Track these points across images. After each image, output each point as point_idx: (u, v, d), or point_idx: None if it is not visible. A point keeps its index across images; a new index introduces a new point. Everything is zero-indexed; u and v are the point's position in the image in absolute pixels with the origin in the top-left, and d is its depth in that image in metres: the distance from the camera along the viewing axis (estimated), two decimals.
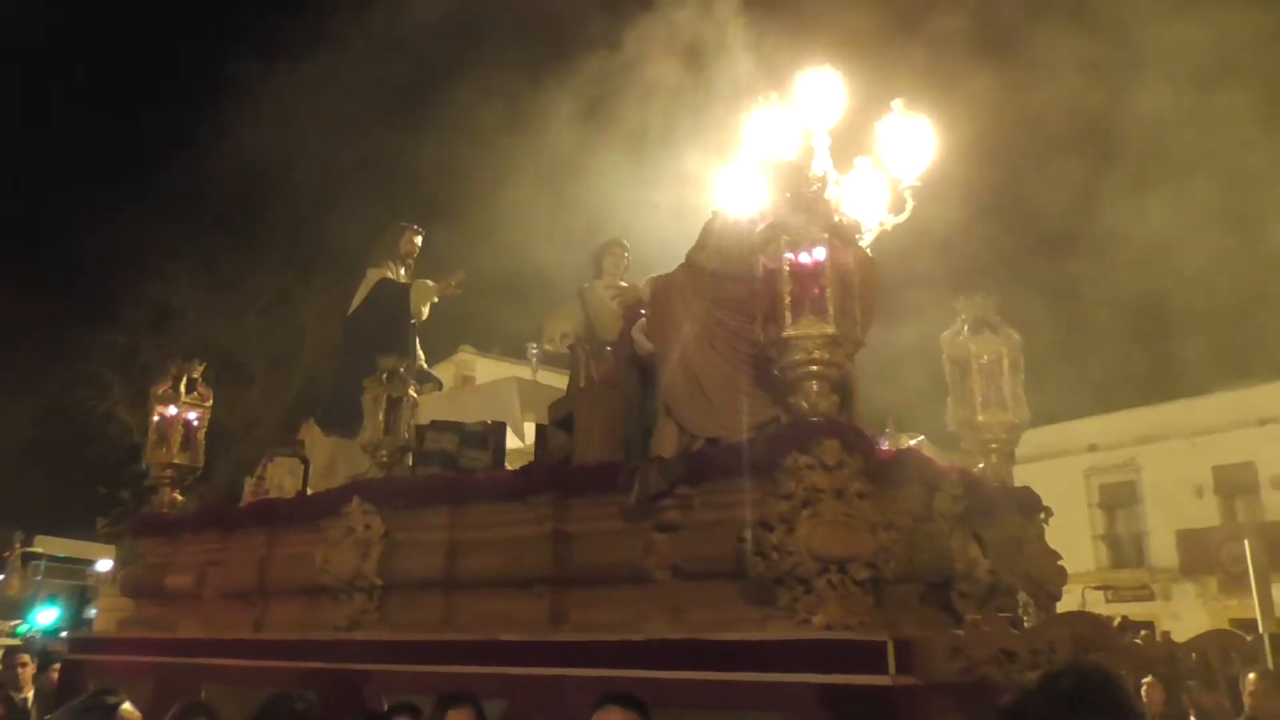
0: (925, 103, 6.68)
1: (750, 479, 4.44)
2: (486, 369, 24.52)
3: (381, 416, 5.79)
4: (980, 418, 5.74)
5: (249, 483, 7.22)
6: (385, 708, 5.02)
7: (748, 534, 4.15)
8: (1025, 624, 5.07)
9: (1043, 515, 5.67)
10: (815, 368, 4.30)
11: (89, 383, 20.13)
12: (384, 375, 5.88)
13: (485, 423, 6.26)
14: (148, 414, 7.39)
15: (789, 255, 4.35)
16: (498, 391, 6.43)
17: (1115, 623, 3.31)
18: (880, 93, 7.08)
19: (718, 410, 4.79)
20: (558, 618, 4.87)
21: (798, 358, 4.28)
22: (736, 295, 4.88)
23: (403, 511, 5.58)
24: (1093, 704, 2.13)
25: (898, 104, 6.73)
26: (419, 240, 7.27)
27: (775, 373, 4.44)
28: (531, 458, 6.73)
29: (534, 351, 7.24)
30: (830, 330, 4.25)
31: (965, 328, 5.91)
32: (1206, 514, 21.64)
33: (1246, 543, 14.42)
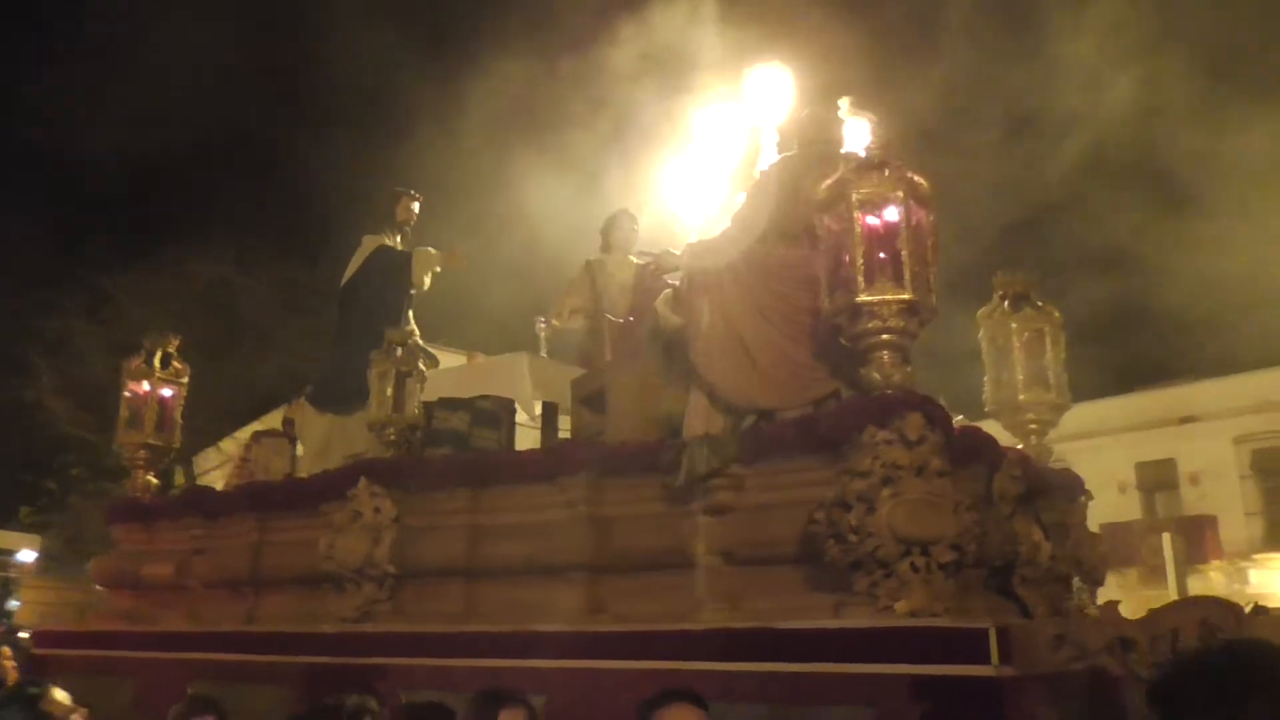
0: (873, 100, 6.76)
1: (815, 456, 4.13)
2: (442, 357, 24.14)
3: (390, 392, 5.37)
4: (1022, 397, 5.50)
5: (214, 465, 6.74)
6: (403, 702, 4.65)
7: (820, 515, 3.83)
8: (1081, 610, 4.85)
9: (1084, 498, 5.46)
10: (888, 336, 3.99)
11: (16, 370, 19.23)
12: (392, 348, 5.45)
13: (497, 400, 5.88)
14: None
15: (862, 216, 4.04)
16: (507, 368, 6.05)
17: (1249, 607, 3.06)
18: (830, 90, 7.07)
19: (771, 384, 4.47)
20: (595, 608, 4.52)
21: (871, 325, 3.97)
22: (790, 261, 4.56)
23: (416, 494, 5.18)
24: (1256, 685, 1.78)
25: (844, 102, 6.58)
26: (416, 207, 6.82)
27: (843, 342, 4.12)
28: (539, 438, 6.39)
29: (541, 326, 6.85)
30: (907, 296, 3.95)
31: (1005, 304, 5.66)
32: (1129, 508, 22.08)
33: (1166, 536, 14.96)
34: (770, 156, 6.75)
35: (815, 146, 4.87)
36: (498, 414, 5.73)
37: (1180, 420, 21.43)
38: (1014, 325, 5.59)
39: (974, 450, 4.34)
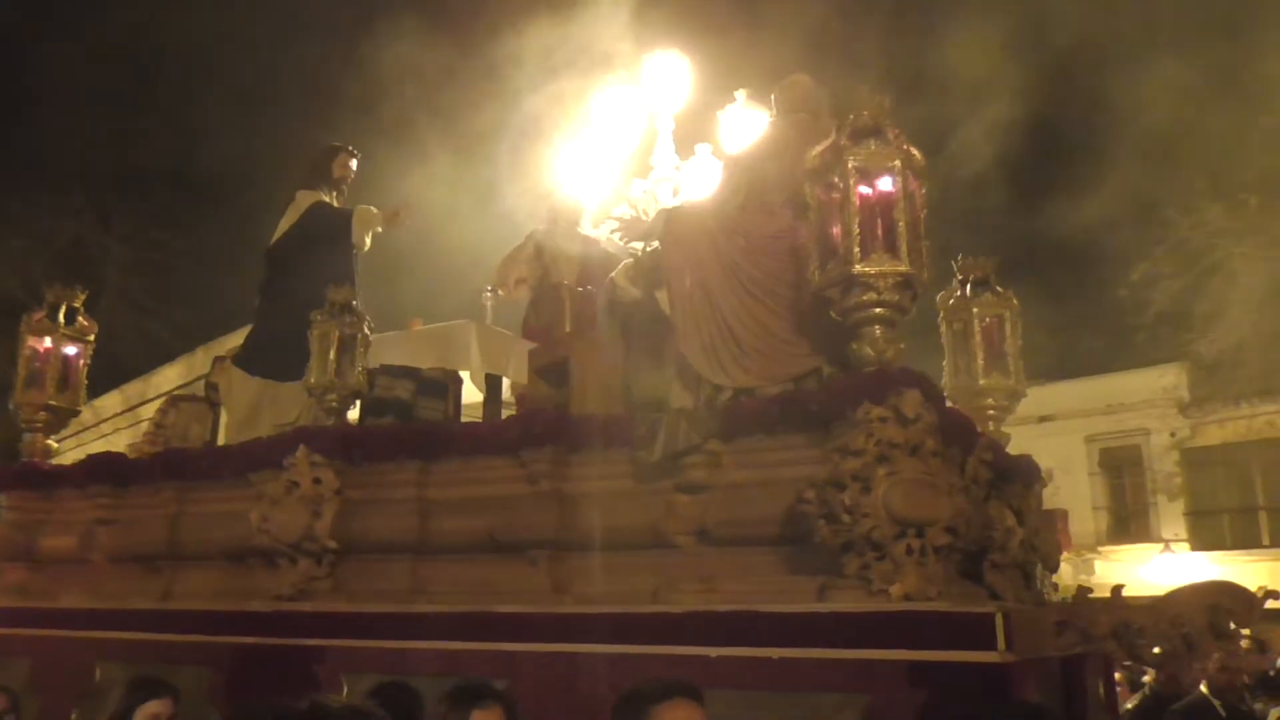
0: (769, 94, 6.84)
1: (800, 434, 3.97)
2: None
3: (333, 356, 5.01)
4: (982, 382, 5.45)
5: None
6: (345, 689, 4.35)
7: (810, 494, 3.67)
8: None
9: (1039, 485, 5.46)
10: (881, 310, 3.85)
11: None
12: (335, 308, 5.09)
13: (443, 370, 5.57)
14: None
15: (857, 184, 3.88)
16: (453, 336, 5.73)
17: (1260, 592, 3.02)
18: (726, 81, 7.13)
19: (751, 358, 4.29)
20: (559, 588, 4.28)
21: (865, 298, 3.82)
22: (773, 231, 4.39)
23: (361, 465, 4.85)
24: None
25: (741, 94, 6.72)
26: (354, 164, 6.42)
27: (833, 316, 3.97)
28: (480, 411, 6.11)
29: (488, 295, 6.54)
30: (904, 269, 3.81)
31: (966, 289, 5.61)
32: None
33: None
34: (666, 142, 6.95)
35: (797, 115, 4.71)
36: (445, 384, 5.42)
37: (1039, 419, 22.28)
38: (975, 310, 5.54)
39: (952, 432, 4.24)
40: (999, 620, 3.16)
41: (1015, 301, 5.69)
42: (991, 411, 5.50)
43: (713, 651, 3.60)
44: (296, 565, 4.77)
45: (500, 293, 6.38)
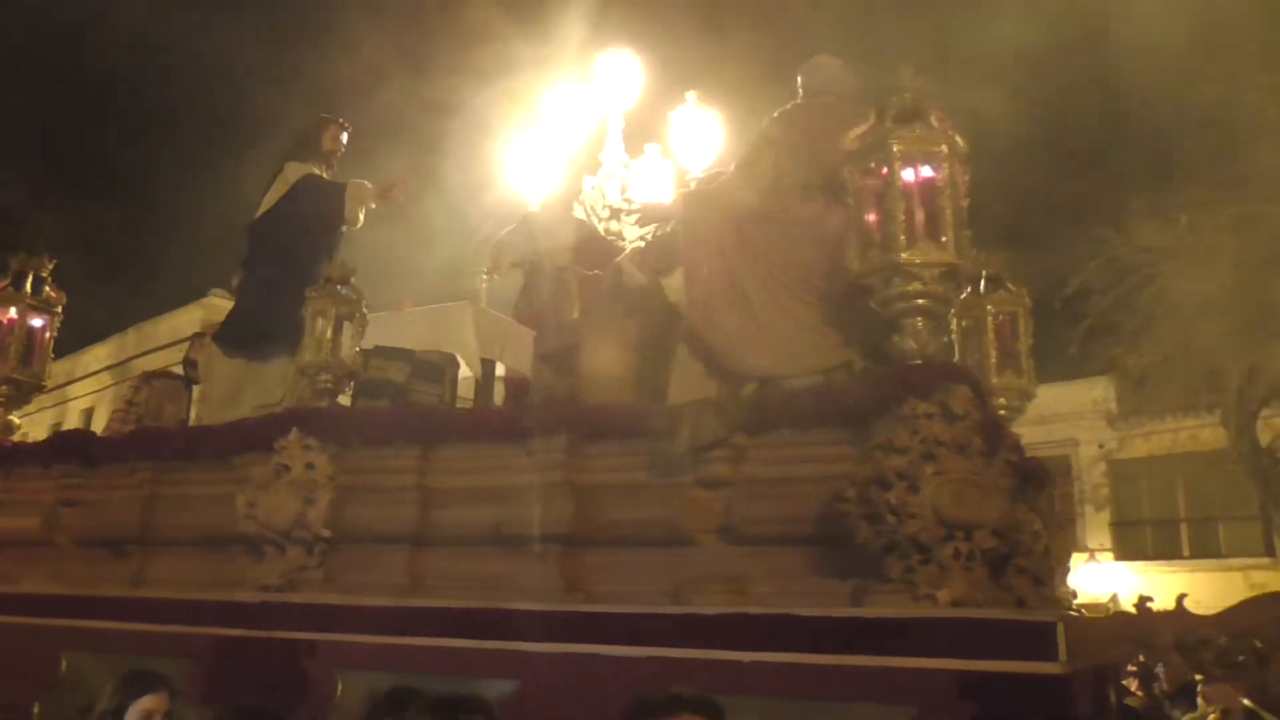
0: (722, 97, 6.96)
1: (833, 429, 3.79)
2: None
3: (329, 334, 4.73)
4: (995, 381, 5.32)
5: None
6: (339, 687, 4.10)
7: (850, 492, 3.49)
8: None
9: (1053, 488, 5.35)
10: (924, 302, 3.68)
11: None
12: (332, 285, 4.81)
13: (438, 353, 5.31)
14: None
15: (902, 169, 3.71)
16: (449, 318, 5.48)
17: None
18: (676, 82, 7.30)
19: (778, 348, 4.10)
20: (571, 585, 4.05)
21: (910, 288, 3.65)
22: (802, 216, 4.20)
23: (356, 449, 4.58)
24: None
25: (692, 95, 6.77)
26: (345, 138, 6.11)
27: (873, 306, 3.79)
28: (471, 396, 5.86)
29: (484, 279, 6.28)
30: (950, 259, 3.65)
31: (980, 284, 5.47)
32: None
33: None
34: (616, 140, 6.94)
35: (824, 97, 4.52)
36: (441, 367, 5.16)
37: None
38: (989, 308, 5.41)
39: (986, 430, 4.09)
40: (1060, 629, 3.00)
41: (1028, 300, 5.57)
42: (1003, 411, 5.36)
43: (746, 656, 3.40)
44: (285, 554, 4.50)
45: (495, 276, 6.13)
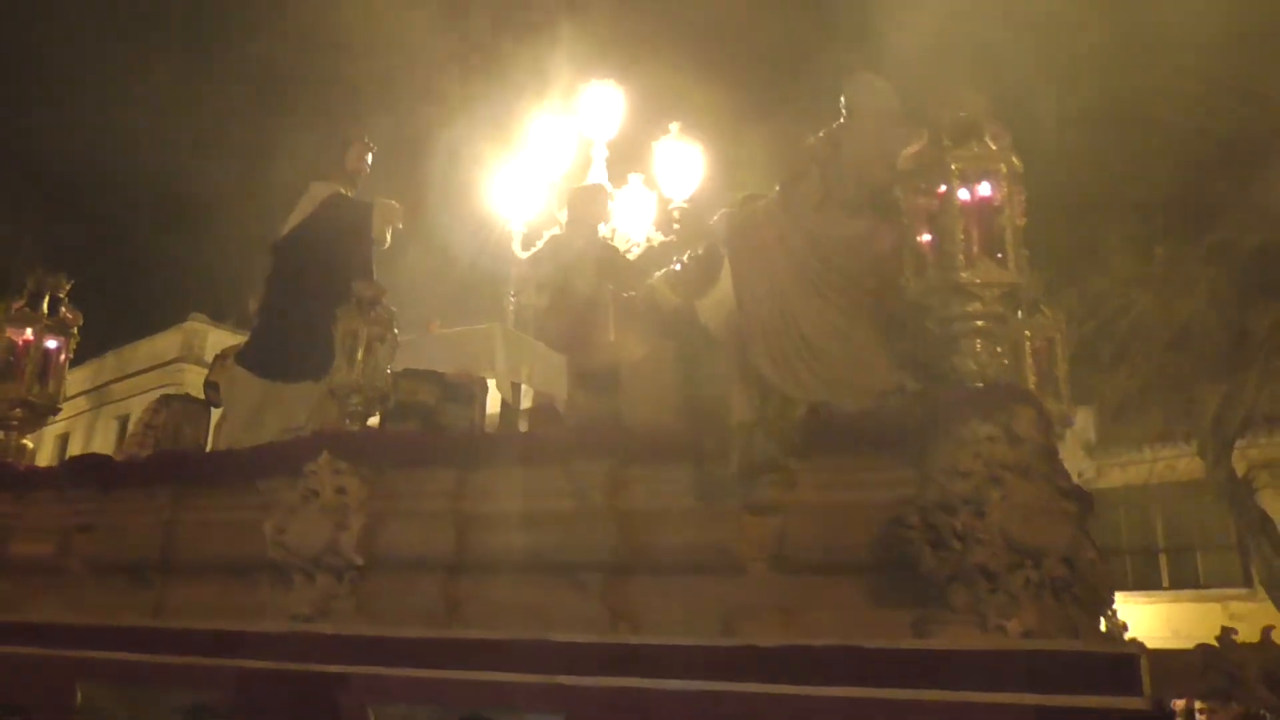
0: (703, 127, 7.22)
1: (889, 453, 3.68)
2: (219, 340, 22.65)
3: (361, 355, 4.61)
4: None
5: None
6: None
7: (913, 518, 3.37)
8: None
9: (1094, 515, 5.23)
10: (983, 322, 3.59)
11: None
12: (364, 304, 4.70)
13: (468, 375, 5.19)
14: None
15: (960, 188, 3.62)
16: (478, 341, 5.36)
17: None
18: (659, 113, 7.49)
19: (829, 369, 3.99)
20: (616, 614, 3.92)
21: (970, 308, 3.56)
22: (853, 235, 4.11)
23: (389, 473, 4.45)
24: None
25: (674, 126, 6.98)
26: (370, 157, 6.02)
27: (930, 326, 3.69)
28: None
29: (512, 300, 6.18)
30: (1012, 279, 3.56)
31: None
32: None
33: None
34: (600, 169, 7.05)
35: (869, 115, 4.44)
36: (471, 390, 5.05)
37: None
38: (1026, 333, 5.32)
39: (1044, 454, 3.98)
40: (1144, 662, 2.88)
41: (1064, 324, 5.49)
42: None
43: (809, 691, 3.27)
44: (314, 582, 4.36)
45: (523, 299, 6.04)
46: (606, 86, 7.23)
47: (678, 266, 5.17)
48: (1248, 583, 18.38)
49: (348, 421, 4.65)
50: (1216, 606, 17.44)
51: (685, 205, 7.03)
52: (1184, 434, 15.34)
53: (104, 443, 21.28)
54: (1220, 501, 13.81)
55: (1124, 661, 2.91)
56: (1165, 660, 3.12)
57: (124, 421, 24.02)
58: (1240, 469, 14.36)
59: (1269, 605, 12.94)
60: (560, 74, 7.63)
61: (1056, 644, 3.05)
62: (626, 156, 7.36)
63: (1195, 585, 19.52)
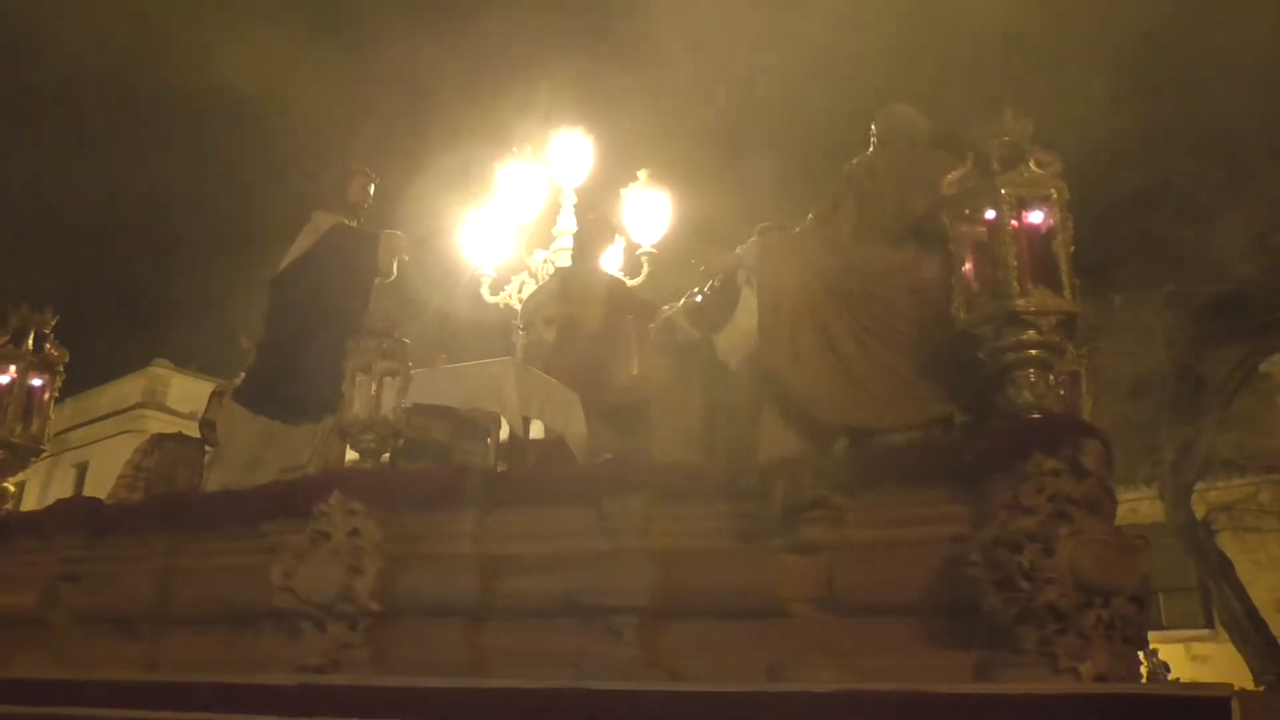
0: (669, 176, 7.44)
1: (941, 488, 3.53)
2: (183, 386, 22.21)
3: (374, 390, 4.41)
4: None
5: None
6: None
7: (976, 556, 3.22)
8: None
9: None
10: (1037, 352, 3.48)
11: None
12: (375, 336, 4.51)
13: (480, 411, 5.01)
14: None
15: (1012, 214, 3.53)
16: (489, 375, 5.17)
17: None
18: (627, 160, 7.73)
19: (872, 402, 3.86)
20: (653, 661, 3.72)
21: (1025, 337, 3.44)
22: (894, 264, 4.00)
23: (405, 514, 4.24)
24: None
25: (643, 174, 7.21)
26: (372, 189, 5.86)
27: (981, 356, 3.57)
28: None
29: (520, 332, 6.01)
30: (1069, 307, 3.46)
31: None
32: None
33: None
34: (569, 214, 7.09)
35: (902, 144, 4.37)
36: (486, 426, 4.85)
37: None
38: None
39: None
40: (1236, 705, 2.73)
41: (1085, 359, 5.42)
42: None
43: None
44: (325, 630, 4.11)
45: (530, 335, 5.88)
46: (575, 134, 7.40)
47: (698, 298, 5.04)
48: (1209, 624, 18.47)
49: (362, 460, 4.42)
50: (1180, 648, 17.48)
51: (653, 250, 7.24)
52: (1145, 478, 15.53)
53: (61, 491, 20.66)
54: (1181, 544, 13.94)
55: (1216, 706, 2.76)
56: (1247, 701, 2.97)
57: (82, 470, 23.37)
58: (1200, 511, 14.52)
59: (1230, 646, 13.01)
60: (529, 122, 7.80)
61: (1142, 687, 2.92)
62: (595, 203, 7.54)
63: (1158, 627, 19.54)
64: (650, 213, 7.24)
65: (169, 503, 4.90)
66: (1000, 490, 3.30)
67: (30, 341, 5.72)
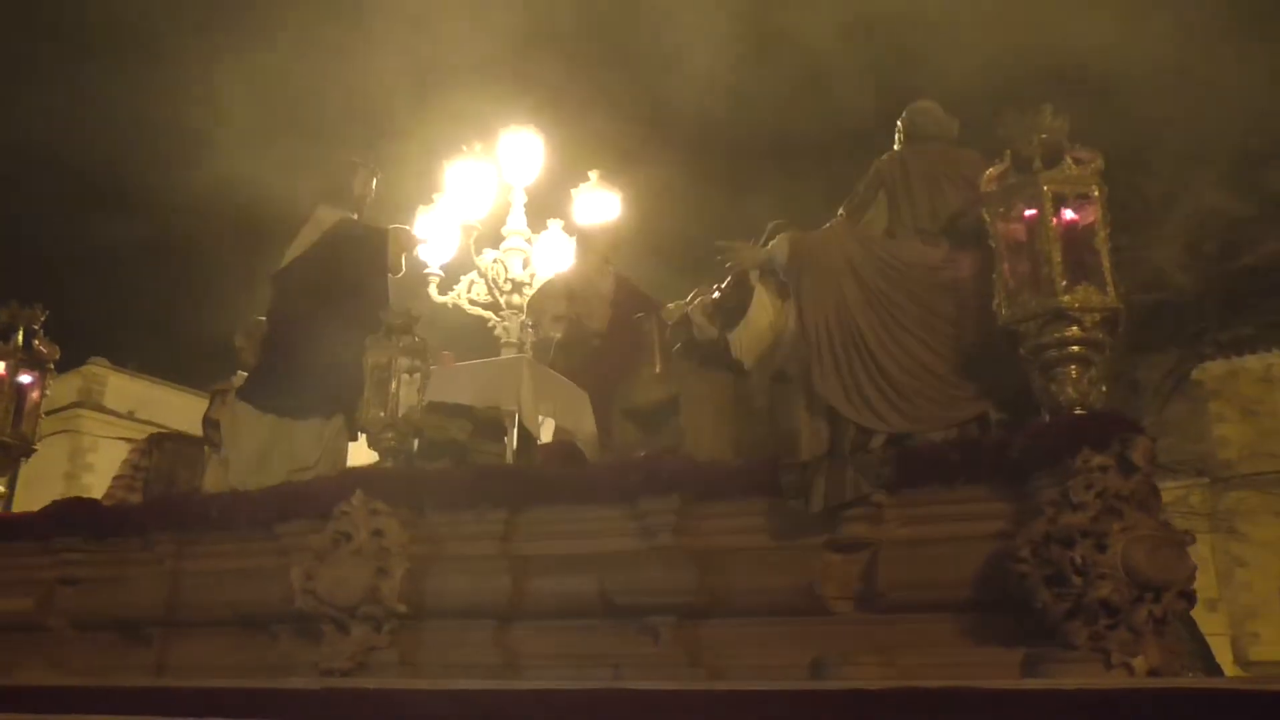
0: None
1: (984, 485, 3.54)
2: (120, 385, 21.73)
3: (395, 387, 4.33)
4: None
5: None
6: None
7: (1025, 553, 3.21)
8: None
9: None
10: (1079, 349, 3.48)
11: None
12: (394, 333, 4.42)
13: (499, 409, 4.94)
14: None
15: (1056, 210, 3.54)
16: (504, 372, 5.10)
17: None
18: (579, 160, 7.67)
19: (908, 400, 3.85)
20: (693, 661, 3.68)
21: (1068, 333, 3.45)
22: (929, 262, 4.00)
23: (430, 514, 4.16)
24: None
25: (594, 174, 7.18)
26: (375, 183, 5.74)
27: (1022, 353, 3.57)
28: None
29: (529, 329, 5.93)
30: (1114, 304, 3.47)
31: None
32: None
33: None
34: (519, 214, 7.18)
35: (933, 142, 4.37)
36: (504, 425, 4.79)
37: None
38: None
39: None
40: None
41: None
42: None
43: None
44: (349, 634, 4.02)
45: (538, 331, 5.82)
46: (526, 133, 7.33)
47: (715, 295, 5.01)
48: None
49: (382, 459, 4.34)
50: None
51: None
52: None
53: None
54: None
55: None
56: None
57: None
58: None
59: None
60: (479, 120, 7.71)
61: (1207, 681, 2.92)
62: (546, 203, 7.53)
63: None
64: (601, 213, 7.10)
65: (175, 503, 4.77)
66: (1047, 487, 3.31)
67: (19, 337, 5.54)
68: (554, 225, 7.30)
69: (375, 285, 5.14)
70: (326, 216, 5.38)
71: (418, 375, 4.44)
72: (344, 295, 5.06)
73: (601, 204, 7.08)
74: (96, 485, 13.45)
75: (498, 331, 6.70)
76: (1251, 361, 21.24)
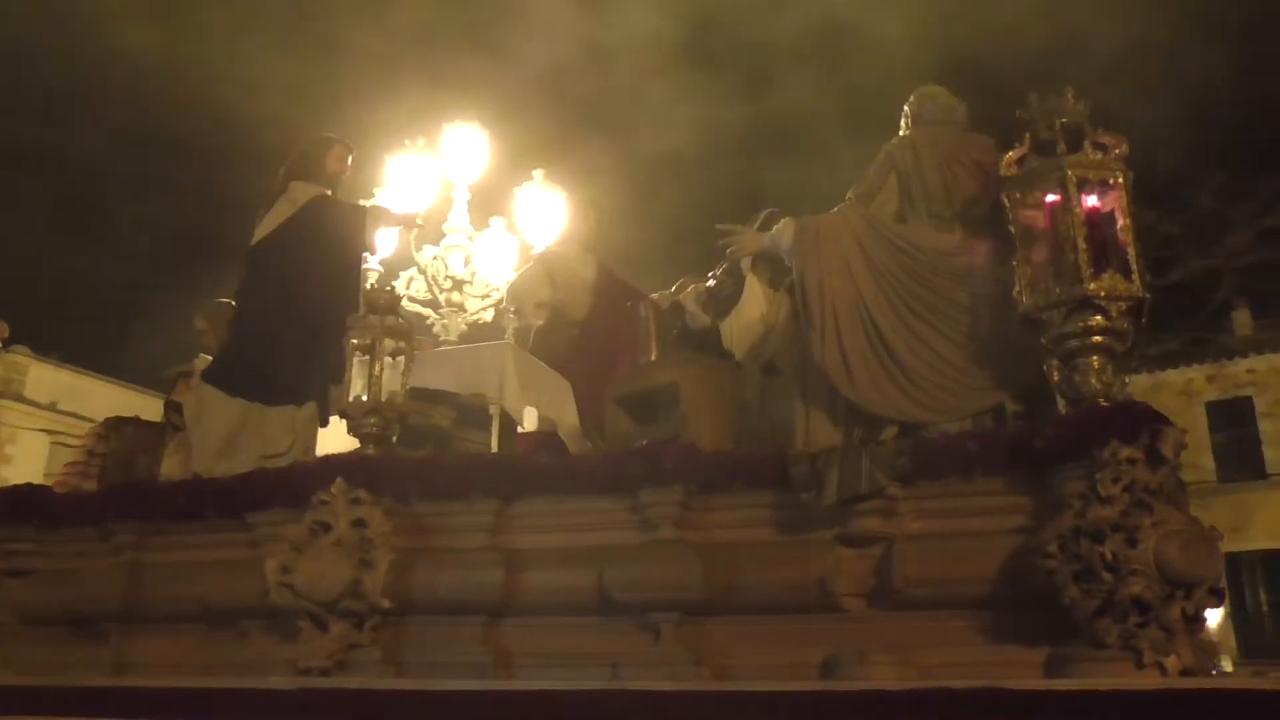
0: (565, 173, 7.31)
1: (1003, 478, 3.41)
2: (42, 374, 21.06)
3: (378, 370, 4.09)
4: None
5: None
6: None
7: (1053, 547, 3.09)
8: None
9: None
10: (1102, 338, 3.37)
11: None
12: (379, 317, 4.19)
13: (482, 396, 4.72)
14: None
15: (1081, 196, 3.42)
16: (487, 359, 4.88)
17: None
18: (523, 159, 7.69)
19: (922, 390, 3.71)
20: (698, 659, 3.51)
21: (1093, 322, 3.33)
22: (942, 247, 3.87)
23: (416, 504, 3.94)
24: None
25: (538, 173, 7.15)
26: (350, 160, 5.48)
27: (1044, 342, 3.46)
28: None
29: (512, 315, 5.72)
30: (1139, 293, 3.36)
31: None
32: None
33: None
34: (461, 211, 7.05)
35: (940, 126, 4.25)
36: (489, 412, 4.57)
37: None
38: None
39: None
40: None
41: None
42: None
43: None
44: (328, 630, 3.78)
45: (520, 319, 5.61)
46: (470, 129, 7.17)
47: (710, 282, 4.85)
48: None
49: (364, 446, 4.10)
50: None
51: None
52: None
53: None
54: None
55: None
56: None
57: None
58: None
59: None
60: (422, 116, 7.55)
61: (1248, 681, 2.81)
62: (489, 201, 7.41)
63: None
64: (545, 213, 7.01)
65: (136, 490, 4.48)
66: (1072, 480, 3.19)
67: None
68: (496, 223, 7.14)
69: (354, 264, 4.90)
70: (300, 192, 5.11)
71: (401, 358, 4.20)
72: (321, 275, 4.82)
73: (545, 203, 6.98)
74: (14, 479, 12.88)
75: (437, 329, 6.49)
76: (1173, 375, 21.93)
